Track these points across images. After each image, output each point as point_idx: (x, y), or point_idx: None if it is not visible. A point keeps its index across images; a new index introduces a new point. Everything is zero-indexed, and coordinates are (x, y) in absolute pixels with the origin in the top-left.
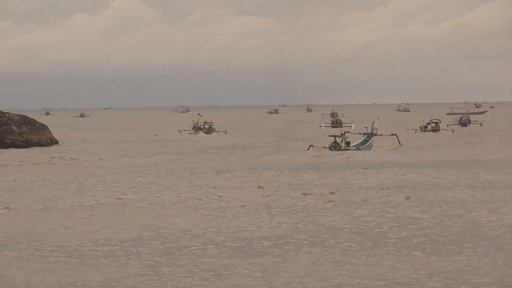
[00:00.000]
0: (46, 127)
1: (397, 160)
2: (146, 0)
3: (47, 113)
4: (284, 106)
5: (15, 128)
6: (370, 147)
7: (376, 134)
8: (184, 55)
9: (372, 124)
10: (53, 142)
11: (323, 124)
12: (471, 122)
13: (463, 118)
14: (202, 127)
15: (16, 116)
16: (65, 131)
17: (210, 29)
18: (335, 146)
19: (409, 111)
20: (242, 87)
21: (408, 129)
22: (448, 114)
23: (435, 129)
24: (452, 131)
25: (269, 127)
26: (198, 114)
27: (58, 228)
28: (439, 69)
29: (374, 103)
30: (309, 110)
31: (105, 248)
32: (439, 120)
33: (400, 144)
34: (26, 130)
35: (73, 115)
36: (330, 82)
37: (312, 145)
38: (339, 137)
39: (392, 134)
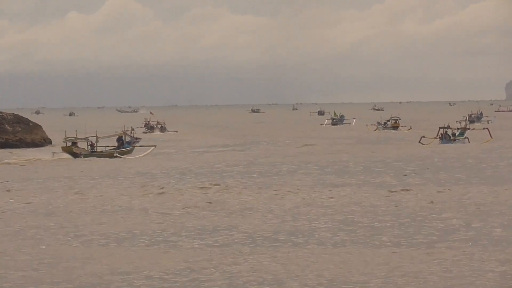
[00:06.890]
0: (40, 126)
1: None
2: None
3: (37, 112)
4: (271, 105)
5: (9, 127)
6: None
7: (469, 128)
8: (178, 53)
9: (466, 119)
10: (46, 141)
11: (326, 121)
12: (482, 118)
13: (472, 115)
14: (155, 126)
15: (9, 115)
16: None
17: (204, 27)
18: (445, 137)
19: (383, 110)
20: (235, 85)
21: (366, 125)
22: (496, 111)
23: (395, 126)
24: (410, 128)
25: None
26: (151, 113)
27: None
28: (433, 66)
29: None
30: (294, 108)
31: None
32: (399, 118)
33: (491, 137)
34: (20, 129)
35: (63, 114)
36: (324, 79)
37: (423, 136)
38: (448, 128)
39: (484, 128)
